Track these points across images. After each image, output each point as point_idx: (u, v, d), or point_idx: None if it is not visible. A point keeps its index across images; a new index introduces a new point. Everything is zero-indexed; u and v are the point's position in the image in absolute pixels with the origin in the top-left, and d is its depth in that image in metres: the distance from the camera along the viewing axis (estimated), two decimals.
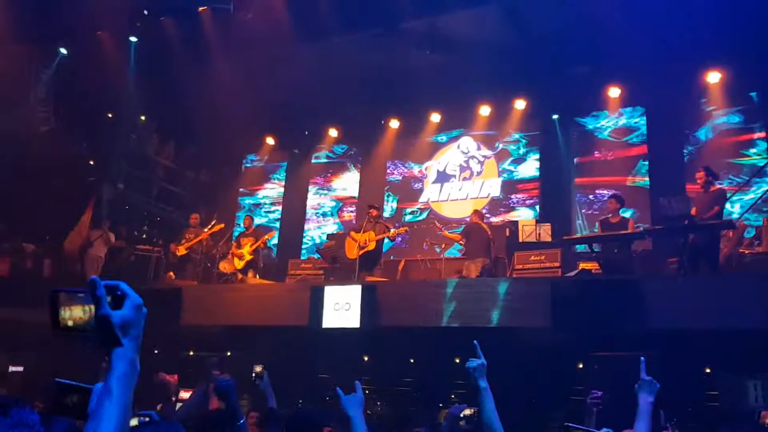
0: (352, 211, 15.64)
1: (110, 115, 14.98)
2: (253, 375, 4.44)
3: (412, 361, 11.84)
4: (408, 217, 14.84)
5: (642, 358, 3.21)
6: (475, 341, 2.94)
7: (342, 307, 10.07)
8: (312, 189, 16.25)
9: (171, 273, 12.98)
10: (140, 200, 15.51)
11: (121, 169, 15.24)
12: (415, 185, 15.15)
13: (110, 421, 1.32)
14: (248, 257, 12.58)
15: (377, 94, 13.76)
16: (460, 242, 11.68)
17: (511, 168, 14.20)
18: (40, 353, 11.48)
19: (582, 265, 10.29)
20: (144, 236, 15.27)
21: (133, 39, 13.25)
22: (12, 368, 11.57)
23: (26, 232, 13.37)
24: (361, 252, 11.31)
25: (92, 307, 1.38)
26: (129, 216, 15.25)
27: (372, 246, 11.35)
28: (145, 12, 12.16)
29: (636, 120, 13.22)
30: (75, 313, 1.39)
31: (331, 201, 15.99)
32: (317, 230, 15.87)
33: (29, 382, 10.62)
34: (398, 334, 10.27)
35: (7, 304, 11.38)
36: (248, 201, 16.83)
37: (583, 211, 13.23)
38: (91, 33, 12.90)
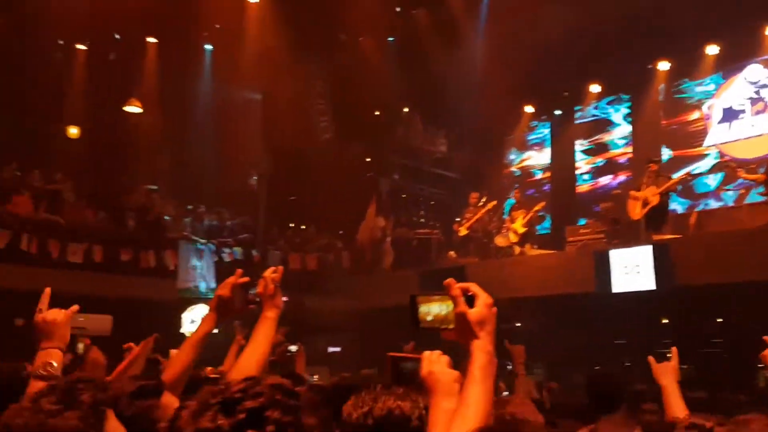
0: (625, 168, 14.71)
1: (377, 113, 16.09)
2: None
3: (719, 320, 10.82)
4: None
5: None
6: None
7: (632, 270, 9.66)
8: (579, 150, 15.64)
9: (452, 252, 13.57)
10: (415, 187, 16.47)
11: (394, 161, 16.30)
12: (695, 128, 13.67)
13: (479, 402, 1.51)
14: (522, 230, 12.61)
15: (639, 36, 12.67)
16: (764, 184, 10.27)
17: None
18: (352, 336, 12.90)
19: None
20: (422, 221, 16.19)
21: (391, 39, 14.06)
22: (330, 349, 13.15)
23: (325, 230, 15.07)
24: (645, 210, 10.64)
25: (449, 304, 1.58)
26: (407, 204, 16.30)
27: (656, 201, 10.62)
28: (398, 9, 12.82)
29: None
30: (433, 310, 1.61)
31: (601, 160, 15.23)
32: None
33: (347, 359, 11.95)
34: (700, 293, 9.47)
35: (318, 294, 12.93)
36: (516, 173, 16.79)
37: None
38: (353, 41, 13.98)
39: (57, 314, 2.02)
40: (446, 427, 1.64)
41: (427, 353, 1.83)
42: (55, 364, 1.91)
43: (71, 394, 1.48)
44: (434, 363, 1.78)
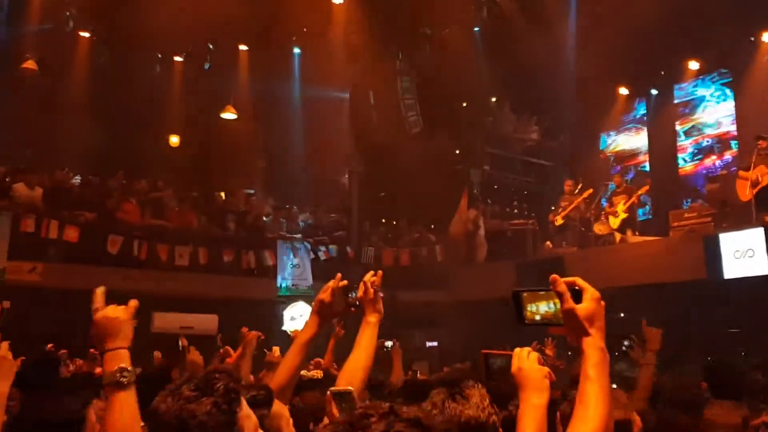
0: (731, 147, 13.84)
1: (465, 104, 15.91)
2: None
3: None
4: None
5: None
6: None
7: (744, 254, 9.13)
8: (679, 130, 14.85)
9: (548, 242, 13.24)
10: (507, 178, 16.18)
11: (484, 152, 16.07)
12: None
13: (597, 401, 1.50)
14: (623, 215, 12.14)
15: (739, 7, 11.89)
16: None
17: None
18: (449, 330, 12.83)
19: None
20: (515, 211, 15.88)
21: (477, 28, 13.87)
22: (428, 344, 13.14)
23: (418, 224, 15.07)
24: (755, 190, 10.02)
25: (556, 301, 1.54)
26: (499, 194, 16.03)
27: (766, 180, 10.00)
28: None
29: None
30: (541, 308, 1.58)
31: (705, 140, 14.39)
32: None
33: (445, 354, 11.90)
34: None
35: (413, 288, 12.90)
36: (612, 158, 16.15)
37: None
38: (438, 34, 13.90)
39: (117, 311, 1.85)
40: (536, 422, 1.73)
41: (517, 350, 1.88)
42: (129, 369, 1.77)
43: (208, 382, 1.63)
44: (524, 359, 1.84)
